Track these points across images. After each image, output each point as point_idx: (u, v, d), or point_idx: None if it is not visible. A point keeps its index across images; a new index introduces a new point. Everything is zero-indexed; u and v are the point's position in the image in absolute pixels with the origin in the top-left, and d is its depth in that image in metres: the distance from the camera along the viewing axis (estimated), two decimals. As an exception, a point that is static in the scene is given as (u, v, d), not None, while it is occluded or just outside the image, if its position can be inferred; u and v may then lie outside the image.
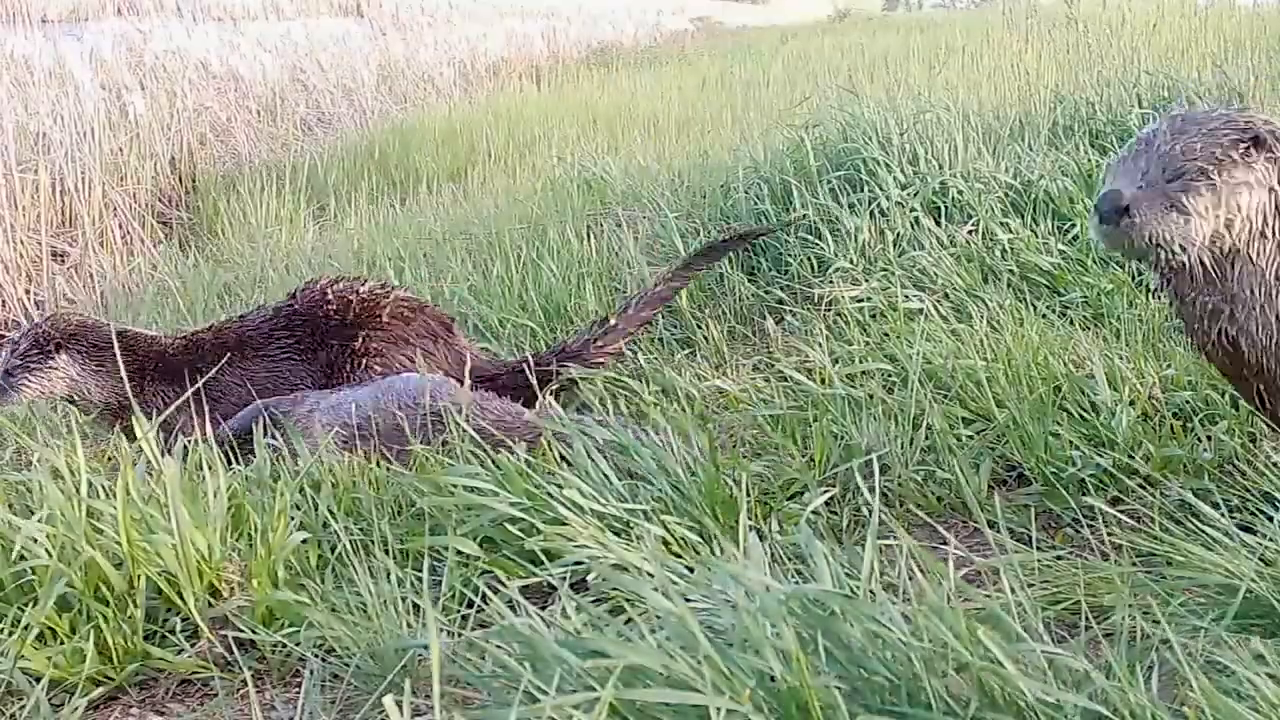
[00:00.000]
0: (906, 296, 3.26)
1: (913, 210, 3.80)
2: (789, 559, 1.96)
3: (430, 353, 3.23)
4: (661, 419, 2.56)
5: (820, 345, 3.04)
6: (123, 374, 2.86)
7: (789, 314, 3.62)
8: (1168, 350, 2.74)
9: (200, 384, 2.94)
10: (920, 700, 1.30)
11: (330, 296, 3.26)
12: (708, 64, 13.25)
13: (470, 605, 1.98)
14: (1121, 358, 2.67)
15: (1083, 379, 2.54)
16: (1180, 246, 1.90)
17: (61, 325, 3.18)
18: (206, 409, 3.05)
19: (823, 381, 2.83)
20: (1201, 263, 1.95)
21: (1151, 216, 1.89)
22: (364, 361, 3.19)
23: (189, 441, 2.51)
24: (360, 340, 3.20)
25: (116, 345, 3.00)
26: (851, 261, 3.62)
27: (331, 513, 2.30)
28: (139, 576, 2.07)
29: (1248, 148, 1.93)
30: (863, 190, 3.99)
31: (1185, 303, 2.01)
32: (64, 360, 3.13)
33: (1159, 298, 2.15)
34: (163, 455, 2.26)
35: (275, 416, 2.75)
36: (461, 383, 2.74)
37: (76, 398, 3.18)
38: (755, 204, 4.23)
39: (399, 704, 1.24)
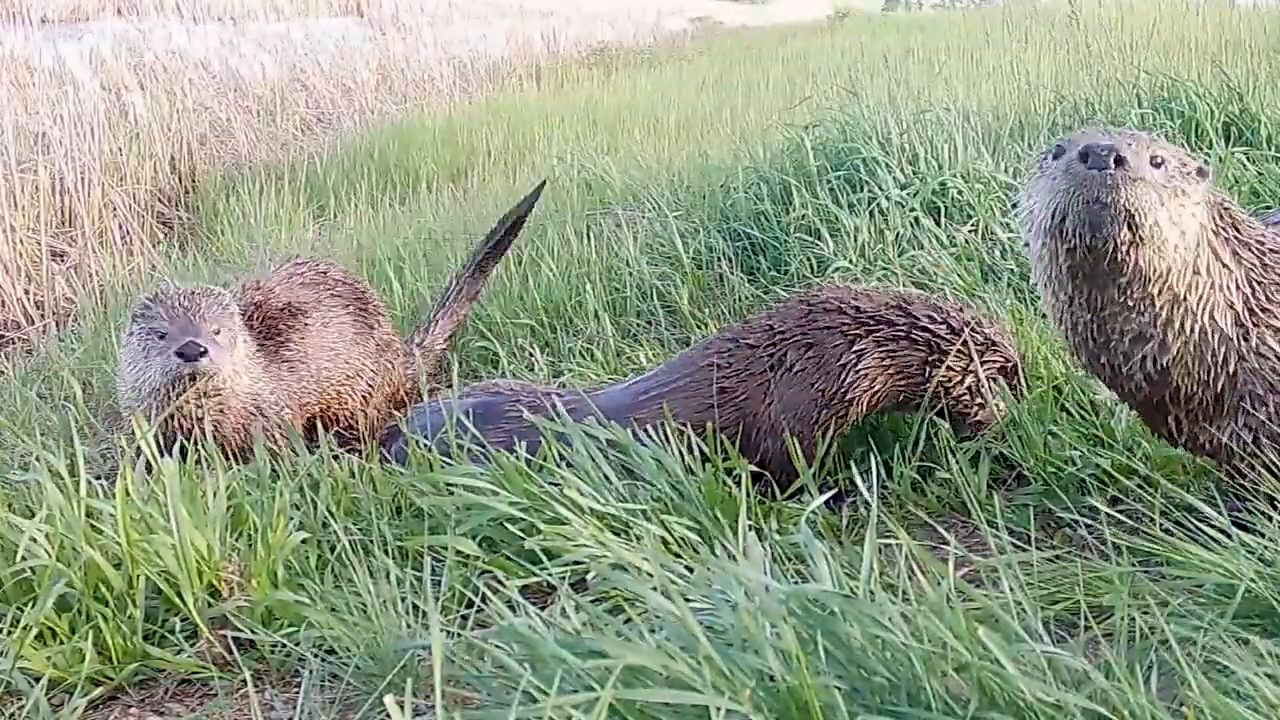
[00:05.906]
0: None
1: (912, 210, 3.80)
2: (789, 559, 1.95)
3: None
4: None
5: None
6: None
7: (789, 314, 3.61)
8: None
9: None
10: (920, 700, 1.30)
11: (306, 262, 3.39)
12: (707, 64, 13.24)
13: (470, 605, 1.98)
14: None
15: (1083, 379, 2.54)
16: (1149, 231, 1.74)
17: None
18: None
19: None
20: (1139, 271, 1.78)
21: (1138, 184, 1.72)
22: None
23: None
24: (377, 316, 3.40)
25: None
26: (851, 261, 3.62)
27: (331, 513, 2.30)
28: (138, 577, 2.07)
29: (1196, 172, 1.83)
30: (862, 190, 3.99)
31: (1104, 321, 1.85)
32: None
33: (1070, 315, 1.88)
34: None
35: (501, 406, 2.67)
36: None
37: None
38: (755, 204, 4.22)
39: (400, 704, 1.23)
